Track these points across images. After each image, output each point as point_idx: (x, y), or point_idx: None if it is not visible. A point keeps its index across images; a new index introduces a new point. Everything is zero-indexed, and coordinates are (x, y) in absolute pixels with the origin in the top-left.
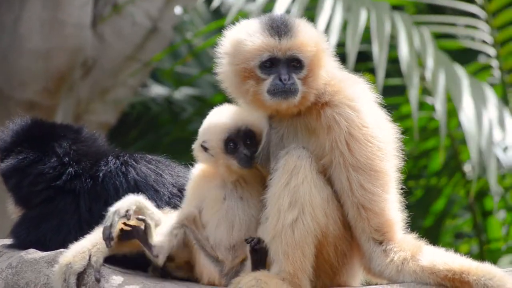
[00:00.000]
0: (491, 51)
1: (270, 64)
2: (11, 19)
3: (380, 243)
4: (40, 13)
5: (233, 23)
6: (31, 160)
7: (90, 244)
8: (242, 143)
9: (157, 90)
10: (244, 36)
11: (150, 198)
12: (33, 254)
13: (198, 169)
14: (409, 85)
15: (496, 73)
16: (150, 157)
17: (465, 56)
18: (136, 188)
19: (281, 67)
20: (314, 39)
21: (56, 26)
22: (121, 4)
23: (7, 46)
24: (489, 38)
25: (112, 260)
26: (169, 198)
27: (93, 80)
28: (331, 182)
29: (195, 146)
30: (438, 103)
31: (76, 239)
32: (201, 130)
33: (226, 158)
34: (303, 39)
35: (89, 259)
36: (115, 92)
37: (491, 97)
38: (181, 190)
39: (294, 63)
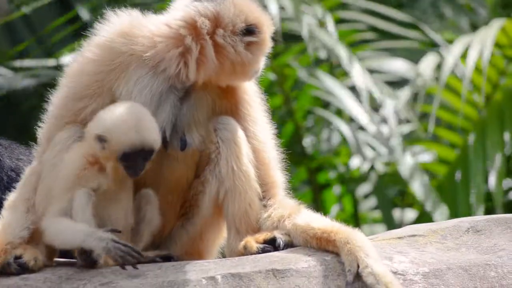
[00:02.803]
0: None
1: None
2: None
3: (262, 198)
4: None
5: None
6: None
7: None
8: (140, 159)
9: None
10: None
11: None
12: None
13: (79, 152)
14: None
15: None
16: None
17: None
18: None
19: None
20: None
21: None
22: None
23: None
24: None
25: None
26: (7, 183)
27: None
28: None
29: (91, 134)
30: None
31: None
32: (103, 121)
33: (118, 164)
34: None
35: None
36: None
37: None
38: (19, 174)
39: None
